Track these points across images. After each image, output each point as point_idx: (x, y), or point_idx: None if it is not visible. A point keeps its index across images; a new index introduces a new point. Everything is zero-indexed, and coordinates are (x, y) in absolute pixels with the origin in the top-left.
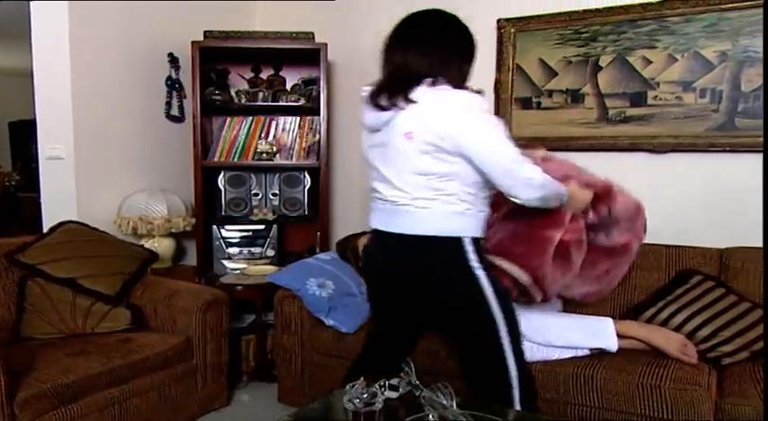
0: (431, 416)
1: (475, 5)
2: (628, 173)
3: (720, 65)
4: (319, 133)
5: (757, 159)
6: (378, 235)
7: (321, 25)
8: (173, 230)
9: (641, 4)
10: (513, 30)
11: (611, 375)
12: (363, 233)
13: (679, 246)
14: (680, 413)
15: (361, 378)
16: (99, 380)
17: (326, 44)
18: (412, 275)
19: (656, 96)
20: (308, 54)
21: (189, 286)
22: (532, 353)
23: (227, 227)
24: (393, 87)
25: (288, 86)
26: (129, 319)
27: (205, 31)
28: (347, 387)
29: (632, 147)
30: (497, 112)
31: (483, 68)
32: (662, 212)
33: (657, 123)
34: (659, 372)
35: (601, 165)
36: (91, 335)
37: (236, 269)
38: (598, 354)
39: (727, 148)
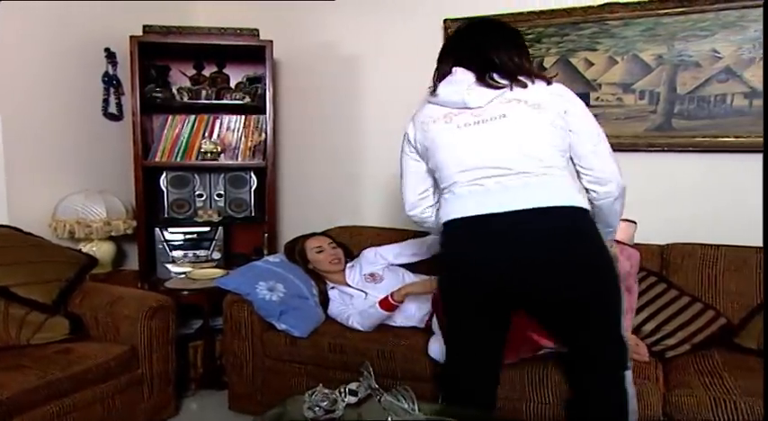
0: (389, 420)
1: (423, 4)
2: None
3: (657, 68)
4: (265, 132)
5: (692, 159)
6: (491, 219)
7: (265, 23)
8: (112, 233)
9: (583, 8)
10: None
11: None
12: (312, 234)
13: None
14: None
15: (320, 384)
16: (36, 394)
17: (272, 41)
18: (561, 257)
19: (598, 97)
20: (253, 51)
21: (132, 292)
22: None
23: (170, 229)
24: (507, 68)
25: (232, 84)
26: (68, 329)
27: (144, 26)
28: (306, 395)
29: None
30: None
31: (431, 67)
32: None
33: (600, 123)
34: None
35: None
36: (26, 347)
37: (180, 273)
38: (553, 353)
39: (666, 148)
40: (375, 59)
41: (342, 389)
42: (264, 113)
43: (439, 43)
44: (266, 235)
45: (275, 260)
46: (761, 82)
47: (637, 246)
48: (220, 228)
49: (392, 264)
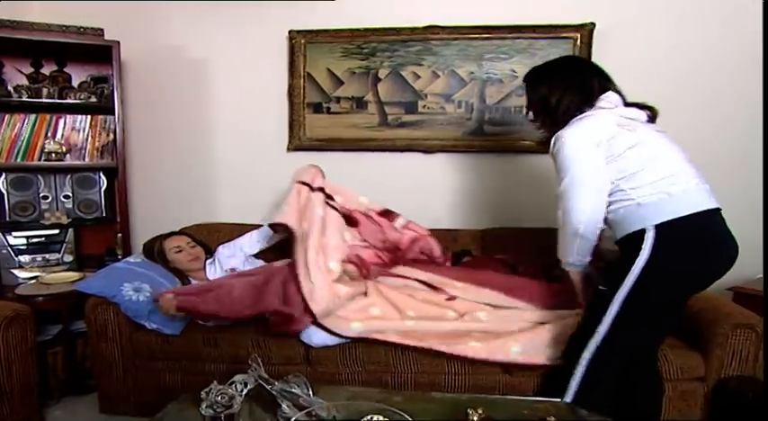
0: (284, 406)
1: (269, 15)
2: (405, 170)
3: (471, 82)
4: (114, 133)
5: (502, 158)
6: (718, 213)
7: (108, 22)
8: None
9: (410, 28)
10: (303, 41)
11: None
12: (171, 233)
13: (454, 230)
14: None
15: (215, 381)
16: None
17: (119, 42)
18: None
19: (425, 106)
20: (97, 51)
21: None
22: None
23: (14, 233)
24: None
25: (74, 83)
26: None
27: None
28: (203, 393)
29: (408, 147)
30: (291, 116)
31: (277, 74)
32: (437, 202)
33: (427, 128)
34: None
35: (383, 164)
36: None
37: (30, 278)
38: None
39: (479, 150)
40: (223, 64)
41: (237, 385)
42: (112, 114)
43: (284, 52)
44: (119, 235)
45: (136, 260)
46: None
47: (461, 231)
48: (70, 230)
49: (250, 256)
